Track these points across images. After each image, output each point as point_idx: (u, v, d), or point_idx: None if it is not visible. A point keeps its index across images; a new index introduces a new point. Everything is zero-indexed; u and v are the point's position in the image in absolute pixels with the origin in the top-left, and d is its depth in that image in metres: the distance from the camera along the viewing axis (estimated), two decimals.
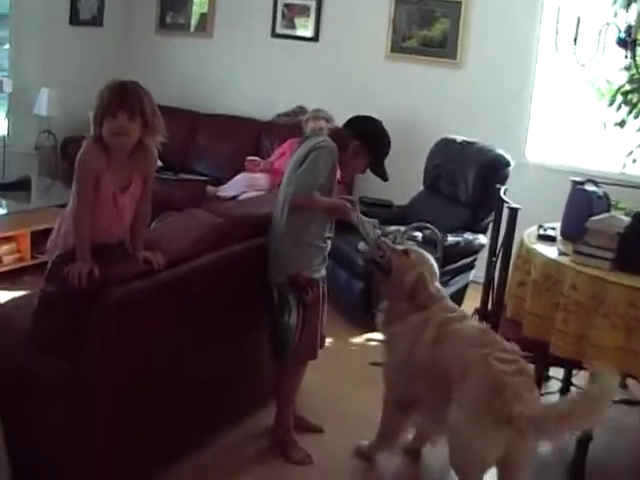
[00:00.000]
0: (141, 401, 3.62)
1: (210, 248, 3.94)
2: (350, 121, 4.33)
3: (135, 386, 3.56)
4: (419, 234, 5.99)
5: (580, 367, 4.24)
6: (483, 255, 6.13)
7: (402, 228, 5.96)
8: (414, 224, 5.88)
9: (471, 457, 3.69)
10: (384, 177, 4.40)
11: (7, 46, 8.41)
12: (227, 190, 7.42)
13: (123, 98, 3.47)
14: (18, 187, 7.22)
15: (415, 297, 4.11)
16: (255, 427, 4.55)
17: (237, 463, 4.23)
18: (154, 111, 3.56)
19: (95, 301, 3.30)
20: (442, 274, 5.62)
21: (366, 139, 4.25)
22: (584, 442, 4.30)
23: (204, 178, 7.79)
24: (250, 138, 8.25)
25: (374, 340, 5.91)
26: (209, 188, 7.53)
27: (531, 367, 3.84)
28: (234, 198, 7.00)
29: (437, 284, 4.26)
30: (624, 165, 6.27)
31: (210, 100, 8.28)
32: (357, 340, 6.00)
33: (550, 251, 4.43)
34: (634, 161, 6.22)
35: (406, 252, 4.27)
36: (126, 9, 9.17)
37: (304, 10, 8.25)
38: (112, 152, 3.53)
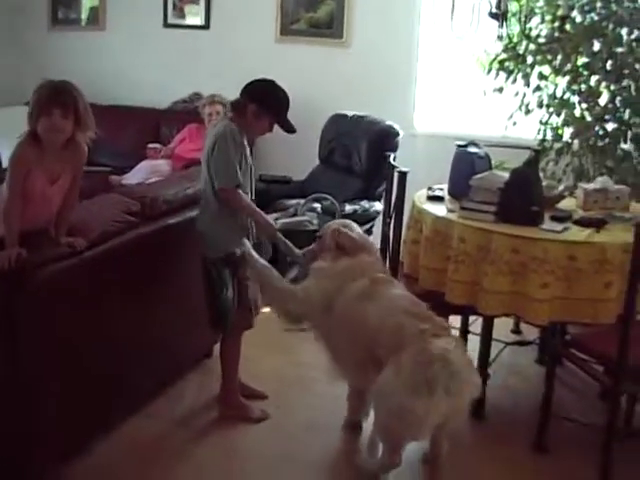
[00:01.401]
0: (73, 375, 3.83)
1: (126, 228, 4.17)
2: (244, 88, 4.48)
3: (63, 358, 3.75)
4: (318, 205, 6.25)
5: (475, 313, 4.58)
6: (379, 222, 6.46)
7: (302, 201, 6.23)
8: (312, 196, 6.12)
9: (410, 424, 3.74)
10: (292, 130, 4.52)
11: None
12: (131, 178, 7.46)
13: (57, 97, 3.72)
14: None
15: (338, 247, 4.30)
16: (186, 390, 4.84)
17: (173, 426, 4.49)
18: (86, 109, 3.82)
19: (25, 281, 3.50)
20: None
21: (261, 99, 4.41)
22: (482, 381, 4.63)
23: (107, 169, 7.75)
24: (149, 126, 8.36)
25: None
26: (113, 177, 7.58)
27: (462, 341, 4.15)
28: (138, 185, 7.05)
29: (359, 231, 4.45)
30: (506, 128, 6.54)
31: (108, 92, 8.31)
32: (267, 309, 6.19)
33: (439, 209, 4.73)
34: (514, 124, 6.50)
35: (320, 237, 4.47)
36: (16, 7, 9.14)
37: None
38: (45, 147, 3.77)
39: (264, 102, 4.43)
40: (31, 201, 3.81)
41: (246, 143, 4.50)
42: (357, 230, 4.45)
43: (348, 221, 4.53)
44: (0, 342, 3.53)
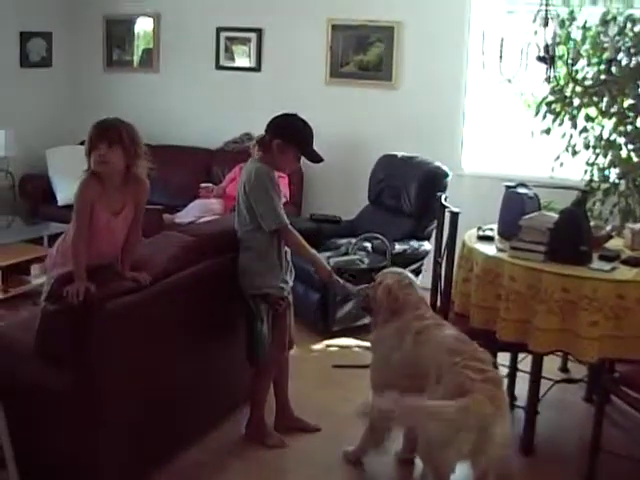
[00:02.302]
0: (136, 404, 3.99)
1: (186, 264, 4.33)
2: (268, 124, 4.62)
3: (130, 390, 3.92)
4: (369, 244, 6.36)
5: (525, 350, 4.67)
6: (428, 261, 6.57)
7: (353, 240, 6.34)
8: (363, 235, 6.22)
9: (440, 452, 3.81)
10: (318, 159, 4.64)
11: None
12: (183, 217, 7.70)
13: (102, 131, 3.93)
14: None
15: (387, 307, 4.36)
16: (233, 428, 4.91)
17: (220, 461, 4.58)
18: (133, 139, 4.00)
19: (92, 315, 3.68)
20: None
21: (282, 133, 4.53)
22: (532, 418, 4.75)
23: (160, 207, 7.84)
24: (201, 166, 8.61)
25: (333, 346, 6.31)
26: (166, 216, 7.76)
27: (500, 376, 4.11)
28: (190, 224, 7.19)
29: (411, 291, 4.46)
30: (552, 169, 6.65)
31: (160, 133, 8.50)
32: (318, 347, 6.32)
33: (489, 249, 4.83)
34: (561, 165, 6.60)
35: (377, 280, 4.52)
36: (73, 49, 9.45)
37: (245, 42, 8.62)
38: (105, 181, 3.96)
39: (286, 134, 4.55)
40: (97, 234, 3.99)
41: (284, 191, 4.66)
42: (409, 279, 4.53)
43: (403, 273, 4.59)
44: (71, 372, 3.71)
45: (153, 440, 4.18)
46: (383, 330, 4.39)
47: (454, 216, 4.77)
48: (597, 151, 6.50)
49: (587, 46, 6.44)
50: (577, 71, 6.38)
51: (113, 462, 3.92)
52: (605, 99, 6.33)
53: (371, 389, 4.44)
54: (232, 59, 8.77)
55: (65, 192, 8.25)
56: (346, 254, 6.10)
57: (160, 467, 4.31)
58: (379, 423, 4.35)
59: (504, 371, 5.46)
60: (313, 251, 4.61)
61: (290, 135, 4.56)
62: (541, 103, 6.62)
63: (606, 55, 6.17)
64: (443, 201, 5.26)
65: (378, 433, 4.44)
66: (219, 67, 8.83)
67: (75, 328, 3.69)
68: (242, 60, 8.71)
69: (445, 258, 4.90)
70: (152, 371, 4.07)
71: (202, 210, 7.65)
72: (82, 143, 4.12)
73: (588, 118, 6.48)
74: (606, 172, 6.48)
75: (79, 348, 3.69)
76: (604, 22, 6.32)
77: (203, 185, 7.94)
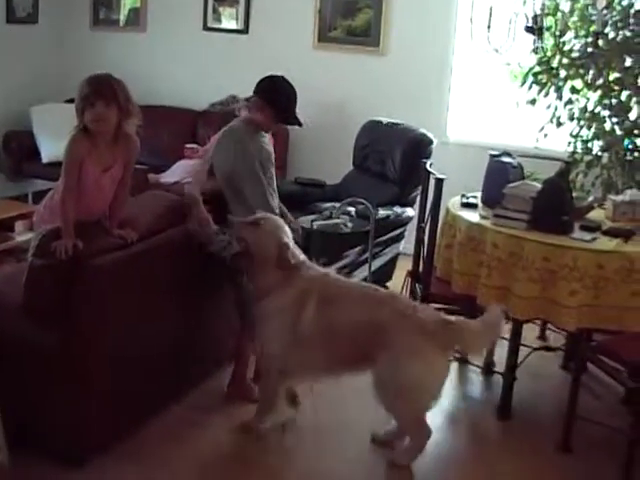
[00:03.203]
0: (122, 360, 4.04)
1: (172, 223, 4.39)
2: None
3: (116, 346, 3.98)
4: (352, 209, 6.38)
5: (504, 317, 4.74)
6: (411, 227, 6.62)
7: (336, 204, 6.37)
8: (347, 200, 6.24)
9: (430, 386, 4.12)
10: (293, 123, 4.82)
11: None
12: (168, 177, 7.66)
13: (99, 88, 3.94)
14: None
15: (282, 265, 4.27)
16: (218, 385, 4.95)
17: (202, 418, 4.63)
18: (127, 97, 4.03)
19: (79, 270, 3.73)
20: (375, 245, 6.13)
21: (262, 91, 4.71)
22: (509, 384, 4.84)
23: (145, 167, 7.70)
24: (186, 127, 8.61)
25: None
26: (151, 176, 7.75)
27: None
28: (175, 184, 7.16)
29: (295, 247, 4.42)
30: (537, 140, 6.70)
31: (147, 93, 8.35)
32: None
33: (473, 216, 4.90)
34: (546, 135, 6.65)
35: (256, 222, 4.35)
36: (60, 6, 9.37)
37: (232, 3, 8.60)
38: (95, 138, 3.98)
39: (265, 96, 4.69)
40: (85, 190, 4.02)
41: (267, 139, 4.77)
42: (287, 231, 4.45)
43: (281, 222, 4.48)
44: (57, 327, 3.76)
45: (138, 397, 4.23)
46: (278, 296, 4.27)
47: (439, 182, 4.80)
48: (581, 123, 6.55)
49: (575, 18, 6.47)
50: (564, 43, 6.43)
51: (99, 418, 3.98)
52: (591, 72, 6.36)
53: (265, 368, 4.47)
54: (219, 20, 8.74)
55: (50, 149, 8.25)
56: (330, 218, 6.11)
57: (145, 423, 4.37)
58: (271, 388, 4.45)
59: None
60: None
61: (268, 94, 4.70)
62: (527, 74, 6.66)
63: (593, 28, 6.20)
64: (428, 167, 5.29)
65: (273, 398, 4.48)
66: (206, 28, 8.80)
67: (62, 283, 3.72)
68: (229, 22, 8.69)
69: (429, 224, 4.93)
70: (137, 328, 4.12)
71: (187, 171, 7.61)
72: (68, 101, 4.14)
73: (574, 90, 6.53)
74: (589, 144, 6.54)
75: (65, 303, 3.73)
76: None
77: (188, 146, 7.97)
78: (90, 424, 3.95)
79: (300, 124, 4.82)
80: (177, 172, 7.70)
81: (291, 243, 4.36)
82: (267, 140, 4.90)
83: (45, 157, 8.41)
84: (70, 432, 3.92)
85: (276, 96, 4.70)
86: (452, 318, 4.20)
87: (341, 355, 4.21)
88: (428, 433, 4.24)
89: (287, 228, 4.45)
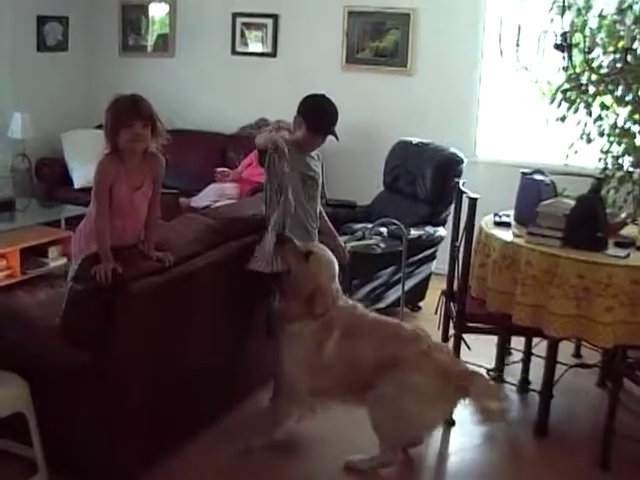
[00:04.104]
0: (159, 384, 4.07)
1: (209, 246, 4.42)
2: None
3: (153, 370, 4.01)
4: (384, 229, 6.39)
5: (540, 335, 4.76)
6: (442, 247, 6.63)
7: (368, 225, 6.39)
8: (380, 220, 6.25)
9: (422, 426, 4.33)
10: (335, 135, 4.79)
11: None
12: (199, 200, 7.77)
13: (137, 108, 4.00)
14: (2, 208, 7.51)
15: (312, 305, 4.34)
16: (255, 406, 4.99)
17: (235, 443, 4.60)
18: (158, 117, 4.10)
19: (119, 295, 3.76)
20: (407, 265, 6.14)
21: (303, 110, 4.74)
22: (546, 401, 4.82)
23: (176, 191, 7.93)
24: (216, 151, 8.66)
25: None
26: (182, 200, 7.86)
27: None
28: (206, 208, 7.20)
29: (336, 284, 4.49)
30: (567, 156, 6.69)
31: (176, 118, 8.47)
32: None
33: (506, 235, 4.88)
34: (576, 152, 6.65)
35: (306, 255, 4.43)
36: (89, 34, 9.50)
37: (260, 27, 8.67)
38: (125, 160, 4.04)
39: (305, 112, 4.74)
40: (120, 210, 4.07)
41: (311, 157, 4.82)
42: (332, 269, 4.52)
43: (329, 258, 4.53)
44: (96, 351, 3.79)
45: (172, 420, 4.24)
46: (304, 324, 4.38)
47: (472, 201, 4.81)
48: (611, 139, 6.55)
49: (603, 34, 6.47)
50: (593, 59, 6.42)
51: (133, 441, 4.00)
52: (620, 87, 6.37)
53: (285, 388, 4.53)
54: (246, 45, 8.80)
55: (81, 175, 8.36)
56: (362, 239, 6.14)
57: (178, 447, 4.38)
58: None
59: (519, 355, 5.56)
60: None
61: (307, 113, 4.73)
62: (557, 91, 6.66)
63: (622, 44, 6.19)
64: (461, 187, 5.30)
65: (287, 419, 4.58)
66: (235, 52, 8.88)
67: (102, 308, 3.75)
68: (257, 46, 8.76)
69: (463, 243, 4.94)
70: (173, 351, 4.15)
71: (218, 194, 7.71)
72: (98, 127, 4.18)
73: (603, 106, 6.53)
74: (620, 160, 6.53)
75: (105, 328, 3.76)
76: (620, 11, 6.34)
77: (219, 169, 8.00)
78: (127, 446, 3.97)
79: (337, 137, 4.80)
80: (208, 196, 7.77)
81: (333, 282, 4.44)
82: (316, 161, 4.94)
83: (77, 183, 8.51)
84: (103, 456, 3.92)
85: (313, 111, 4.74)
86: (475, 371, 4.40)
87: (357, 386, 4.30)
88: (396, 460, 4.39)
89: (335, 264, 4.51)
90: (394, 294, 6.39)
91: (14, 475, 3.95)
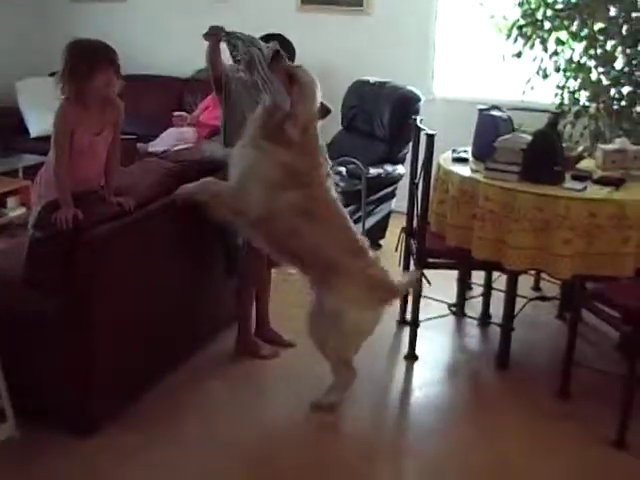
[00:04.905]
0: (123, 329, 4.08)
1: (168, 189, 4.39)
2: None
3: (117, 315, 4.01)
4: (343, 169, 6.41)
5: (500, 269, 4.80)
6: (401, 185, 6.66)
7: None
8: (338, 160, 6.25)
9: (363, 331, 4.35)
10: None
11: None
12: (157, 145, 7.74)
13: (112, 54, 4.01)
14: None
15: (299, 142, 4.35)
16: (216, 349, 5.03)
17: (210, 378, 4.71)
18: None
19: (80, 241, 3.76)
20: (367, 204, 6.17)
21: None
22: (507, 334, 4.91)
23: (134, 136, 7.83)
24: (173, 95, 8.59)
25: None
26: (140, 145, 7.81)
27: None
28: (165, 152, 7.09)
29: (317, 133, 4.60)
30: (524, 92, 6.69)
31: (130, 62, 8.28)
32: None
33: (464, 170, 4.91)
34: (532, 88, 6.65)
35: (294, 76, 4.46)
36: None
37: None
38: (88, 105, 4.01)
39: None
40: (80, 156, 4.04)
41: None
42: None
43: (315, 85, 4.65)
44: (59, 298, 3.79)
45: (138, 364, 4.27)
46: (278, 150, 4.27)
47: (430, 138, 4.81)
48: (567, 74, 6.56)
49: None
50: None
51: (101, 386, 4.01)
52: (576, 23, 6.36)
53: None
54: None
55: (38, 124, 8.26)
56: None
57: (145, 390, 4.41)
58: None
59: (479, 290, 5.63)
60: None
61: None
62: (512, 27, 6.65)
63: None
64: (419, 124, 5.31)
65: None
66: None
67: (64, 254, 3.75)
68: None
69: (421, 180, 4.96)
70: (137, 295, 4.15)
71: (176, 138, 7.69)
72: (52, 74, 4.14)
73: (559, 42, 6.52)
74: (576, 95, 6.55)
75: (68, 273, 3.76)
76: None
77: (176, 113, 7.98)
78: (95, 392, 3.99)
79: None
80: (166, 140, 7.74)
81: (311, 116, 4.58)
82: None
83: (33, 132, 8.42)
84: (75, 401, 3.95)
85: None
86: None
87: (286, 251, 4.33)
88: (353, 375, 4.44)
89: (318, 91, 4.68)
90: None
91: None
